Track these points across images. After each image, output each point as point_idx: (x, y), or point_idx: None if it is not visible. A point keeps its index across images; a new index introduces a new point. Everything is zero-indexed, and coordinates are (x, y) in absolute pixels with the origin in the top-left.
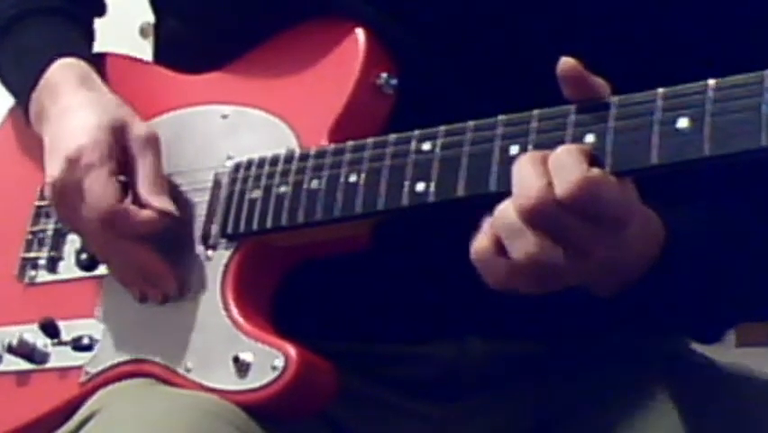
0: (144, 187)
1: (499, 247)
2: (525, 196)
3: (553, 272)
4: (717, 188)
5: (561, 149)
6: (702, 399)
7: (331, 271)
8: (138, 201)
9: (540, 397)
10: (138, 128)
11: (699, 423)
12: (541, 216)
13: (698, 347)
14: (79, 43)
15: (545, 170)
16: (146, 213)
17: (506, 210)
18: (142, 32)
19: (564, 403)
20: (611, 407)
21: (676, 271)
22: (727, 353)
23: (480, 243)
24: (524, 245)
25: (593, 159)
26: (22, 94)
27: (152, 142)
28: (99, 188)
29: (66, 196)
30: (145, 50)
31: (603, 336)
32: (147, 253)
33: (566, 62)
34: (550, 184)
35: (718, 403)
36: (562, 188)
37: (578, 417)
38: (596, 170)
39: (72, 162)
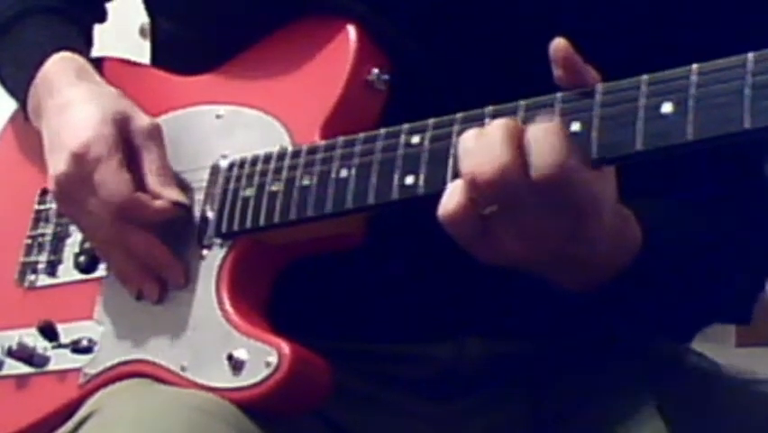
0: (153, 178)
1: (468, 202)
2: (489, 163)
3: (493, 229)
4: (699, 186)
5: (542, 126)
6: (701, 400)
7: (329, 271)
8: (145, 192)
9: (538, 397)
10: (141, 120)
11: (697, 424)
12: (503, 189)
13: (698, 347)
14: (77, 41)
15: (519, 145)
16: (159, 202)
17: (467, 134)
18: (142, 33)
19: (562, 404)
20: (609, 407)
21: (652, 276)
22: (727, 353)
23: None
24: (471, 164)
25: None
26: (20, 90)
27: (156, 134)
28: (112, 180)
29: (73, 190)
30: (145, 50)
31: (601, 336)
32: (153, 243)
33: (558, 43)
34: (522, 162)
35: (717, 404)
36: (537, 168)
37: (575, 417)
38: (572, 159)
39: (79, 157)
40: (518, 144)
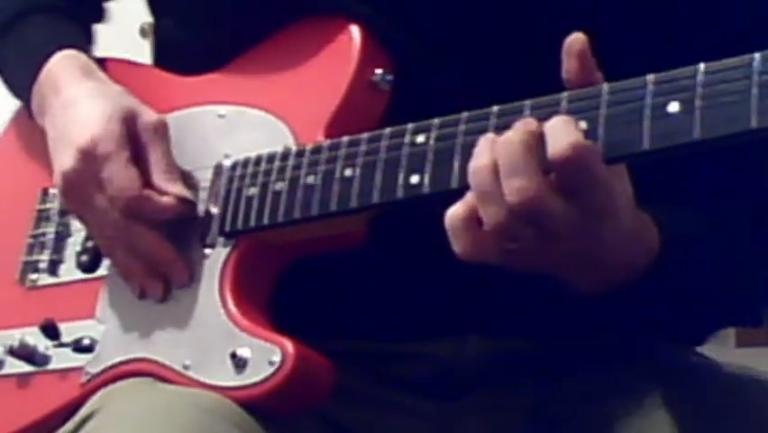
0: (159, 174)
1: (473, 217)
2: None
3: (521, 248)
4: (716, 190)
5: (556, 118)
6: (700, 399)
7: (330, 270)
8: (151, 189)
9: (537, 396)
10: (147, 116)
11: (697, 424)
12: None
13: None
14: (80, 39)
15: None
16: (167, 198)
17: (481, 172)
18: (142, 33)
19: (562, 403)
20: (609, 407)
21: (670, 279)
22: (727, 353)
23: (456, 209)
24: (498, 205)
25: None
26: (24, 89)
27: (162, 130)
28: (120, 177)
29: (80, 186)
30: (145, 50)
31: (601, 336)
32: (160, 241)
33: (577, 36)
34: (543, 171)
35: (716, 404)
36: (555, 148)
37: (575, 416)
38: (590, 141)
39: (87, 153)
40: (540, 157)
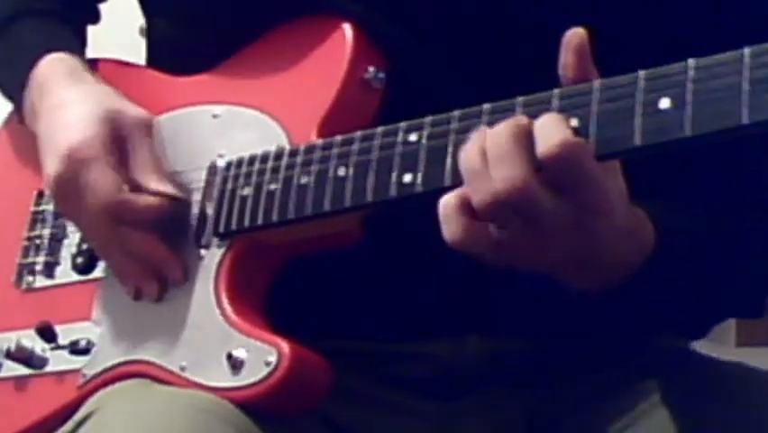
0: (140, 171)
1: (465, 204)
2: (506, 167)
3: (510, 240)
4: (711, 184)
5: (546, 115)
6: (700, 398)
7: (328, 269)
8: (137, 188)
9: (537, 396)
10: (131, 115)
11: (697, 424)
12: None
13: (698, 347)
14: (71, 42)
15: (527, 144)
16: (146, 198)
17: (470, 153)
18: (142, 33)
19: (562, 403)
20: (608, 406)
21: (667, 275)
22: (727, 352)
23: (449, 196)
24: (485, 188)
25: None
26: (14, 92)
27: (144, 126)
28: (99, 181)
29: (66, 190)
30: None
31: (600, 335)
32: (150, 240)
33: (577, 30)
34: (533, 168)
35: (715, 403)
36: (544, 146)
37: (575, 416)
38: (580, 138)
39: (70, 157)
40: (529, 150)
